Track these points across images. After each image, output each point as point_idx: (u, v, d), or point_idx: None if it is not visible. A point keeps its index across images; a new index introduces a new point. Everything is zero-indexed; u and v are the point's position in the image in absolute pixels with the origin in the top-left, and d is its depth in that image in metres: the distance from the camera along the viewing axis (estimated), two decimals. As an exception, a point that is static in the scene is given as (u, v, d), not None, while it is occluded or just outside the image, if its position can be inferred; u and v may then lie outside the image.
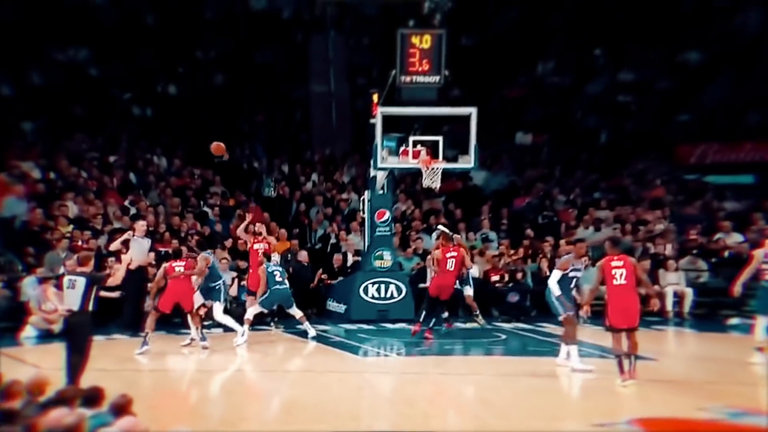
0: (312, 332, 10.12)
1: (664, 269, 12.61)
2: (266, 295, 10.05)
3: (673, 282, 12.49)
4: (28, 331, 10.26)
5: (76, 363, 6.82)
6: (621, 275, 7.61)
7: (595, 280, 7.82)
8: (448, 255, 9.84)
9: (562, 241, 13.11)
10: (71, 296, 6.90)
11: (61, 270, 10.62)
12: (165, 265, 9.70)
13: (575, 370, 8.28)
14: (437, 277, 9.97)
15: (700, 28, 17.89)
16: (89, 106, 15.73)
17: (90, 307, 6.90)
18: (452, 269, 9.84)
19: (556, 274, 8.51)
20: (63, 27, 16.45)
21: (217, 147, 9.69)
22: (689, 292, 12.40)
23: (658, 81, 18.07)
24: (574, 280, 8.43)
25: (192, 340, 9.69)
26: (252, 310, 10.10)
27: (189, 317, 9.75)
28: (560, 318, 8.48)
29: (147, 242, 10.82)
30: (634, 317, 7.65)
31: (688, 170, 16.73)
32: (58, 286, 7.43)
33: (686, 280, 12.70)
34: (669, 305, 12.26)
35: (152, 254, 11.07)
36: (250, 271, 10.58)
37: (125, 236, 10.42)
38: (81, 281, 6.88)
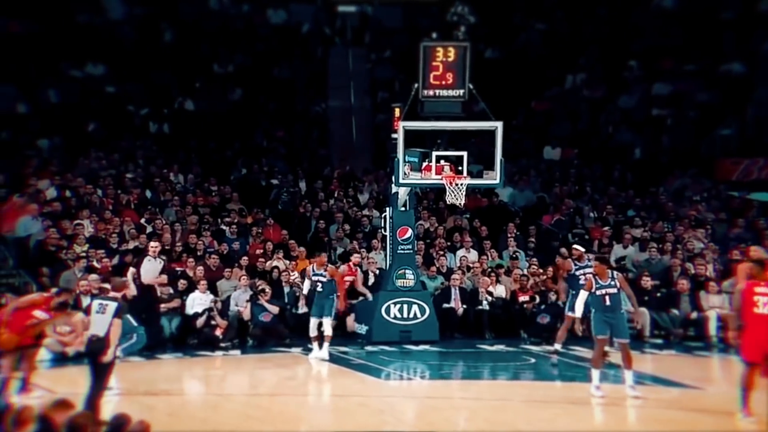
0: (325, 355, 10.25)
1: (706, 291, 12.48)
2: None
3: (717, 305, 12.34)
4: (42, 354, 10.42)
5: (97, 390, 6.96)
6: (765, 304, 7.28)
7: (734, 304, 7.57)
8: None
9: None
10: (101, 321, 7.04)
11: (77, 291, 10.91)
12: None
13: (592, 395, 8.31)
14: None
15: (743, 38, 17.83)
16: (105, 123, 16.19)
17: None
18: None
19: (582, 295, 8.57)
20: (79, 44, 17.05)
21: None
22: (735, 317, 12.21)
23: (697, 94, 18.02)
24: (607, 297, 8.43)
25: None
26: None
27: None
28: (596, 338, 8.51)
29: (159, 263, 11.02)
30: None
31: (731, 187, 16.57)
32: (87, 311, 7.43)
33: (731, 303, 12.50)
34: (713, 330, 12.10)
35: (164, 276, 11.23)
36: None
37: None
38: (112, 307, 7.03)
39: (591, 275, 8.65)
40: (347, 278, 11.09)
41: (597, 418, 8.10)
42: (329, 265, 10.78)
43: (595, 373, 8.43)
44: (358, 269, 11.24)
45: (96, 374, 7.00)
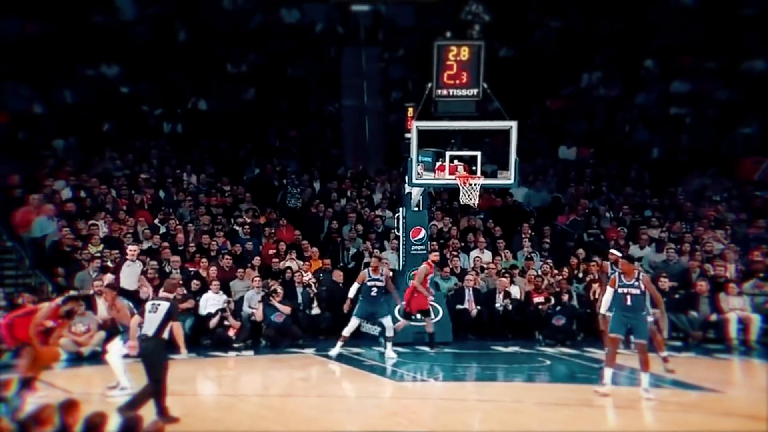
0: (391, 354, 10.52)
1: (725, 293, 12.36)
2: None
3: (737, 307, 12.24)
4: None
5: (146, 391, 7.15)
6: None
7: None
8: None
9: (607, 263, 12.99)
10: (151, 321, 7.24)
11: (91, 291, 11.05)
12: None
13: (599, 392, 8.33)
14: None
15: (765, 34, 17.61)
16: (119, 123, 16.36)
17: (165, 335, 7.28)
18: None
19: (608, 292, 8.57)
20: (94, 44, 17.24)
21: None
22: (756, 319, 12.11)
23: (717, 92, 17.82)
24: (628, 297, 8.39)
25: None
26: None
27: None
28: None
29: (138, 266, 10.94)
30: None
31: (752, 187, 16.38)
32: (141, 312, 7.67)
33: (752, 305, 12.41)
34: (733, 332, 12.00)
35: (144, 278, 10.94)
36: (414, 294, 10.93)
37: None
38: (164, 306, 7.26)
39: (617, 273, 8.63)
40: (430, 276, 11.04)
41: (613, 421, 8.06)
42: (384, 270, 10.89)
43: (607, 372, 8.43)
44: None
45: (151, 374, 7.16)
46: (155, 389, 7.15)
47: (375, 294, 10.60)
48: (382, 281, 10.63)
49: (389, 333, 10.60)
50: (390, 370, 10.16)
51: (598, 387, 8.48)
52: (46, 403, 5.62)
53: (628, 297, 8.37)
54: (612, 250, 10.54)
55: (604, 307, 8.69)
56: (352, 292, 10.86)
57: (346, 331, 10.60)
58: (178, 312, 7.53)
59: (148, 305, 7.43)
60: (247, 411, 8.28)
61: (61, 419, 5.36)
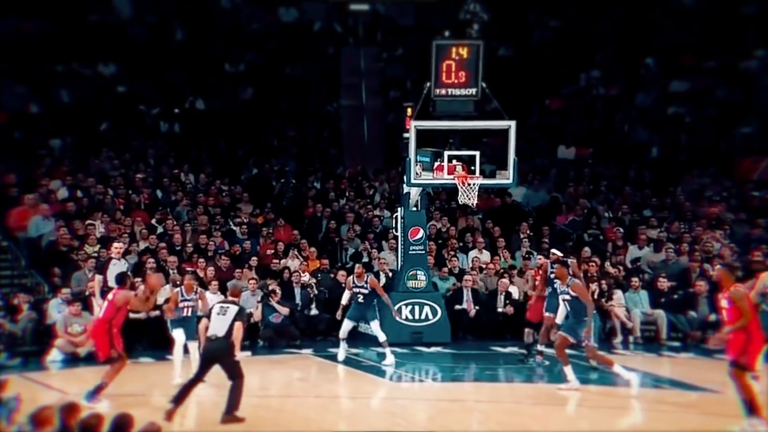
0: (390, 360, 10.37)
1: (725, 293, 12.36)
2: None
3: (736, 307, 12.24)
4: (54, 355, 10.57)
5: (237, 387, 7.60)
6: None
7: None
8: None
9: (607, 263, 13.02)
10: (221, 322, 7.69)
11: (87, 291, 11.05)
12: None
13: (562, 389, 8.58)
14: None
15: (765, 33, 17.63)
16: (116, 123, 16.35)
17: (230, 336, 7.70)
18: None
19: (561, 305, 8.95)
20: (91, 43, 17.23)
21: None
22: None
23: (716, 90, 17.85)
24: (565, 303, 8.69)
25: None
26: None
27: None
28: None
29: (124, 264, 10.89)
30: None
31: (751, 186, 16.40)
32: (207, 315, 8.13)
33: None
34: (732, 333, 12.01)
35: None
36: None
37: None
38: (233, 309, 7.74)
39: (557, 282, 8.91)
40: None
41: (612, 421, 8.05)
42: (370, 276, 10.71)
43: (567, 370, 8.66)
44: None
45: (231, 374, 7.65)
46: (241, 381, 7.61)
47: (362, 300, 10.44)
48: (366, 288, 10.44)
49: (381, 338, 10.42)
50: (388, 370, 10.16)
51: (563, 385, 8.63)
52: (45, 404, 5.61)
53: (565, 302, 8.66)
54: (553, 250, 10.59)
55: (559, 317, 8.95)
56: (344, 299, 10.76)
57: (342, 333, 10.56)
58: (245, 315, 8.05)
59: (215, 308, 7.82)
60: (244, 411, 8.24)
61: (61, 422, 5.35)
